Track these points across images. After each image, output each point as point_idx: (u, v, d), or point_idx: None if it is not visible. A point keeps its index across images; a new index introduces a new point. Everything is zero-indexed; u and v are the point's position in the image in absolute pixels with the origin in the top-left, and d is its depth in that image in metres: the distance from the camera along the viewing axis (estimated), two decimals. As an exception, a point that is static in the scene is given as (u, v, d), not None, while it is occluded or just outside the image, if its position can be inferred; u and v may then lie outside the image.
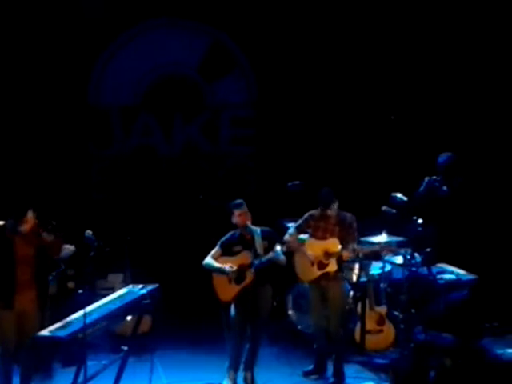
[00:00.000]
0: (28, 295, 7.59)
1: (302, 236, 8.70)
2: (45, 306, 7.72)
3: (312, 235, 8.60)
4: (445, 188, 9.76)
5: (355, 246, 8.45)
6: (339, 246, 8.39)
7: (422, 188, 9.60)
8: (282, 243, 8.45)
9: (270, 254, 8.21)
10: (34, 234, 7.61)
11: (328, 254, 8.42)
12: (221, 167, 11.76)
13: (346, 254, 8.47)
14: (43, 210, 7.75)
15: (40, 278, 7.66)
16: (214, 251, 8.35)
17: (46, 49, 11.12)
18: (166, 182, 11.66)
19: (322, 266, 8.46)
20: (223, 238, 8.38)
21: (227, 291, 8.21)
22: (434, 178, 9.59)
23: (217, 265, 8.24)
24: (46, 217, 7.67)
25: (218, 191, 11.61)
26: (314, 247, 8.51)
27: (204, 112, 11.73)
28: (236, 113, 11.75)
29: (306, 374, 8.58)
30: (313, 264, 8.47)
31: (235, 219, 8.30)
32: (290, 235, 8.64)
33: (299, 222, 8.71)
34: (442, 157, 9.81)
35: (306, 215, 8.68)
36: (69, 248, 7.84)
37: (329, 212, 8.47)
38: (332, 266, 8.44)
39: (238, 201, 8.34)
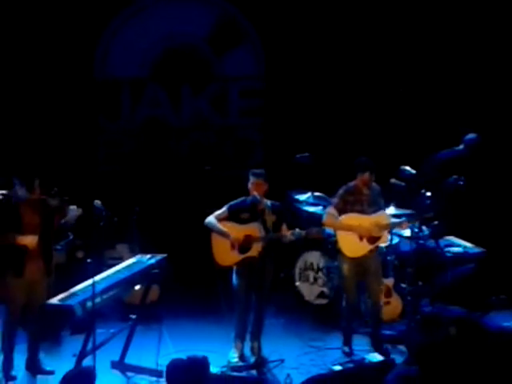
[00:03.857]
0: (36, 263, 7.61)
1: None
2: (51, 274, 7.74)
3: (349, 210, 8.35)
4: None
5: None
6: (391, 218, 8.39)
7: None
8: (303, 230, 8.26)
9: (288, 236, 8.09)
10: (39, 201, 7.63)
11: (380, 227, 8.32)
12: (229, 139, 11.75)
13: (405, 225, 8.58)
14: (50, 179, 7.77)
15: (46, 247, 7.68)
16: (219, 212, 8.20)
17: (51, 21, 11.07)
18: (174, 153, 11.66)
19: (373, 240, 8.34)
20: (232, 202, 8.24)
21: (227, 256, 8.13)
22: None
23: (222, 228, 8.11)
24: (50, 184, 7.67)
25: (226, 163, 11.62)
26: (360, 221, 8.30)
27: (213, 84, 11.69)
28: (245, 84, 11.71)
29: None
30: (361, 239, 8.33)
31: (249, 185, 8.19)
32: (329, 215, 8.40)
33: (335, 200, 8.42)
34: (471, 135, 9.95)
35: (341, 191, 8.41)
36: (75, 209, 7.84)
37: (364, 182, 8.36)
38: (384, 238, 8.45)
39: (258, 170, 8.24)
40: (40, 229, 7.63)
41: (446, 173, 9.91)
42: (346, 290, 8.51)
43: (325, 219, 8.48)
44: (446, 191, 9.79)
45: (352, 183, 8.47)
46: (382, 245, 8.74)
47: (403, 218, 8.61)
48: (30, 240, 7.52)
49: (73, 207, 7.84)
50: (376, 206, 8.45)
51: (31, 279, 7.59)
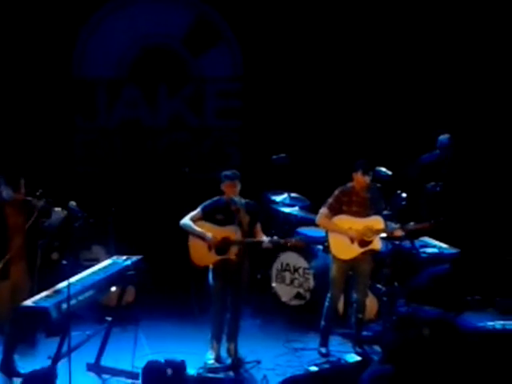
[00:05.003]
0: (21, 265, 7.57)
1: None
2: (34, 276, 7.69)
3: (344, 211, 8.31)
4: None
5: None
6: (383, 223, 8.26)
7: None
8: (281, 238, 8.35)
9: (265, 243, 8.05)
10: (23, 201, 7.58)
11: (372, 232, 8.27)
12: (206, 140, 11.75)
13: (398, 233, 8.43)
14: (29, 179, 7.74)
15: (30, 247, 7.64)
16: (194, 213, 8.15)
17: (28, 20, 11.04)
18: (150, 154, 11.66)
19: (364, 243, 8.30)
20: (206, 203, 8.18)
21: (204, 257, 8.10)
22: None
23: (198, 229, 8.08)
24: (32, 185, 7.65)
25: (203, 164, 11.62)
26: (352, 224, 8.29)
27: (189, 84, 11.70)
28: (221, 85, 11.72)
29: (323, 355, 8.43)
30: (352, 242, 8.29)
31: (223, 188, 8.16)
32: (322, 215, 8.37)
33: (330, 200, 8.36)
34: (443, 137, 9.98)
35: (336, 192, 8.36)
36: (60, 211, 7.81)
37: (359, 183, 8.31)
38: (376, 244, 8.35)
39: (230, 172, 8.15)
40: (24, 230, 7.57)
41: (426, 177, 9.99)
42: (333, 289, 8.47)
43: (318, 219, 8.46)
44: (425, 195, 9.87)
45: (350, 184, 8.44)
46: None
47: (398, 225, 8.45)
48: None
49: (57, 209, 7.79)
50: (374, 209, 8.36)
51: (15, 281, 7.54)
